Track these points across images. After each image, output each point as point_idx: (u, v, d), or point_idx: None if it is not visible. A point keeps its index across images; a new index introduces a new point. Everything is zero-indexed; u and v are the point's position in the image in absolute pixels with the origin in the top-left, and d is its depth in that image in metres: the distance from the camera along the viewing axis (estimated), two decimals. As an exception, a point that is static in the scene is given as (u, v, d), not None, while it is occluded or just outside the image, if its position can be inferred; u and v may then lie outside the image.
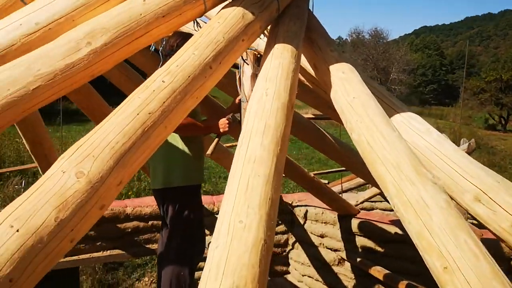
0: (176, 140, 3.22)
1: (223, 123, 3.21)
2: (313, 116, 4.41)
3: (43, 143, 4.07)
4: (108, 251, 5.76)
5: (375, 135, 1.95)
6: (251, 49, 3.32)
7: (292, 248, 6.47)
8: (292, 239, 6.43)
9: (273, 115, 1.77)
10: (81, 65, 1.71)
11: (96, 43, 1.74)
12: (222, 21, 1.98)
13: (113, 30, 1.78)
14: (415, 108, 50.67)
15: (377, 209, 8.72)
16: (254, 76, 3.35)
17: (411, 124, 2.47)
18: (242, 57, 3.35)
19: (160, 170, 3.22)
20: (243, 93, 3.37)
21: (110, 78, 3.65)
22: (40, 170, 4.65)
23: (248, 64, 3.34)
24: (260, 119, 1.75)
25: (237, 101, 3.45)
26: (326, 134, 4.17)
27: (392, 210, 7.81)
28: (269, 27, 2.39)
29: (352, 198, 7.03)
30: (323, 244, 6.01)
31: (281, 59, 2.05)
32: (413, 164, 1.81)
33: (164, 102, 1.63)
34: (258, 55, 3.34)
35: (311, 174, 5.25)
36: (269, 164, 1.58)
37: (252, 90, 3.38)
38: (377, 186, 4.71)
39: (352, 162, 4.36)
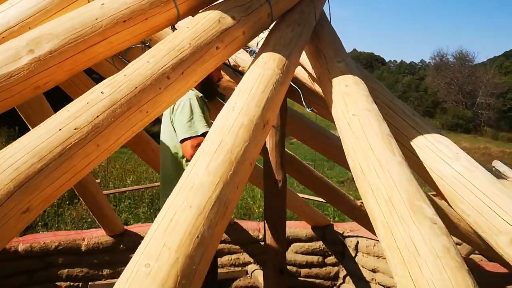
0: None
1: None
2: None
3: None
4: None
5: (370, 160, 1.59)
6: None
7: (343, 282, 5.97)
8: (343, 272, 5.95)
9: (233, 133, 1.47)
10: (21, 76, 1.51)
11: (39, 51, 1.55)
12: (192, 26, 1.72)
13: (61, 36, 1.58)
14: (505, 134, 47.20)
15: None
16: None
17: (437, 148, 2.05)
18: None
19: None
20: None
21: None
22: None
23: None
24: (216, 137, 1.46)
25: None
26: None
27: (460, 244, 7.05)
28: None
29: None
30: (375, 280, 5.49)
31: (263, 70, 1.76)
32: (409, 198, 1.42)
33: (98, 116, 1.39)
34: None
35: (358, 202, 4.80)
36: (209, 193, 1.28)
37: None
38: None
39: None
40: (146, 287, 1.03)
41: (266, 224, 3.13)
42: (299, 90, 2.75)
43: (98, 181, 4.87)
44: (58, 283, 4.99)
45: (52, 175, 1.28)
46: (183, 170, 2.88)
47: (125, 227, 5.37)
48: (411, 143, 2.11)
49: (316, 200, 7.49)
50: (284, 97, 3.02)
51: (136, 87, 1.49)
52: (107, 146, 1.42)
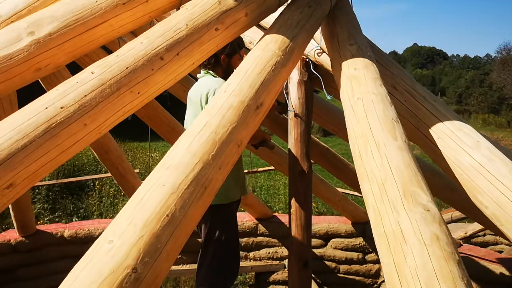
0: None
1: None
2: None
3: (110, 152, 4.13)
4: (188, 265, 5.72)
5: (368, 144, 1.50)
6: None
7: (384, 281, 5.80)
8: (384, 270, 5.76)
9: (220, 113, 1.43)
10: (21, 57, 1.55)
11: (40, 33, 1.58)
12: (191, 8, 1.70)
13: (61, 18, 1.61)
14: None
15: (501, 243, 7.56)
16: (302, 82, 3.00)
17: (456, 136, 1.93)
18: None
19: None
20: (290, 101, 3.03)
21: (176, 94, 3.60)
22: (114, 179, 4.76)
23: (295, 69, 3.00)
24: (203, 119, 1.43)
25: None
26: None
27: None
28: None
29: (459, 229, 6.14)
30: (418, 279, 5.28)
31: (262, 52, 1.71)
32: (403, 183, 1.33)
33: (85, 96, 1.40)
34: (307, 59, 2.98)
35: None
36: (186, 172, 1.25)
37: (299, 98, 3.04)
38: (479, 220, 3.95)
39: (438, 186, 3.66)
40: (105, 264, 1.02)
41: (290, 216, 3.08)
42: (320, 77, 2.68)
43: (137, 171, 4.97)
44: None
45: (36, 152, 1.30)
46: None
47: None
48: (430, 130, 1.99)
49: (359, 196, 7.30)
50: (310, 89, 2.97)
51: (127, 68, 1.49)
52: (95, 126, 1.43)
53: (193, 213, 1.22)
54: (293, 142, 3.00)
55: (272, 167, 5.73)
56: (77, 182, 10.85)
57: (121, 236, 1.08)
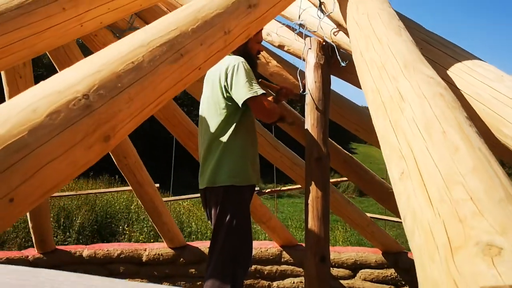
0: (232, 135, 2.80)
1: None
2: None
3: (128, 157, 4.07)
4: None
5: (370, 42, 1.36)
6: (302, 29, 2.89)
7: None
8: None
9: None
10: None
11: None
12: None
13: None
14: None
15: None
16: (318, 66, 2.90)
17: (477, 73, 1.75)
18: (305, 44, 2.94)
19: (208, 167, 2.81)
20: (306, 84, 2.92)
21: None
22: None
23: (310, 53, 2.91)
24: (189, 3, 1.33)
25: (281, 88, 3.08)
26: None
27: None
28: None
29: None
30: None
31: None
32: (405, 63, 1.17)
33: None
34: (324, 43, 2.89)
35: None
36: (159, 34, 1.13)
37: (315, 81, 2.92)
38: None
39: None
40: (52, 85, 0.90)
41: (306, 207, 2.87)
42: (334, 45, 2.58)
43: (157, 185, 4.84)
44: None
45: (5, 25, 1.22)
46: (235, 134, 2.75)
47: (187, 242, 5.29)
48: (448, 72, 1.82)
49: (390, 220, 6.87)
50: (326, 72, 2.87)
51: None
52: (75, 13, 1.35)
53: (164, 72, 1.09)
54: (309, 128, 2.85)
55: (298, 185, 5.48)
56: (108, 227, 10.83)
57: (75, 69, 0.96)
